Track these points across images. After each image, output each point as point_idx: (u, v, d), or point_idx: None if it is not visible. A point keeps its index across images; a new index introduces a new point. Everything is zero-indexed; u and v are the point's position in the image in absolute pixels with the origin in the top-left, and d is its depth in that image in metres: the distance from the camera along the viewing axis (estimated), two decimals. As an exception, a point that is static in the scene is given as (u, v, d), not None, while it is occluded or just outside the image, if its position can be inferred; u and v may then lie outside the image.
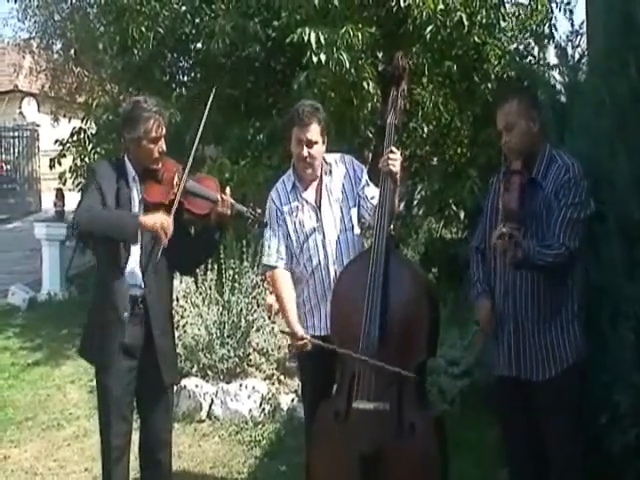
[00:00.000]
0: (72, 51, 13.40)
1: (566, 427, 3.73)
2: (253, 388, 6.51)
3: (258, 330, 6.95)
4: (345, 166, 4.41)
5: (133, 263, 3.96)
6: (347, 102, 7.62)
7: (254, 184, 7.63)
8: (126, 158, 4.07)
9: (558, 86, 5.09)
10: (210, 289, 7.10)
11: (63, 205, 12.80)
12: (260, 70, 8.99)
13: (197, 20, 9.00)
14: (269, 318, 6.99)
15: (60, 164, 10.60)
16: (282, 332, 4.94)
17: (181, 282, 6.92)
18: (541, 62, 8.16)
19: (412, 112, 8.09)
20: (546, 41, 8.70)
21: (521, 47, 9.22)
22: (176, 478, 4.62)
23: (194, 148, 4.17)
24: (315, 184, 4.37)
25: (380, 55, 8.28)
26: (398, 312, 3.91)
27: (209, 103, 4.23)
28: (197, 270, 6.62)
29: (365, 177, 4.38)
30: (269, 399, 6.44)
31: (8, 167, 21.29)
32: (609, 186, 3.95)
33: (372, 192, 4.27)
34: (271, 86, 9.19)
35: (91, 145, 10.18)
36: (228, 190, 4.10)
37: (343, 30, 7.06)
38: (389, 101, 4.25)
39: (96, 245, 4.12)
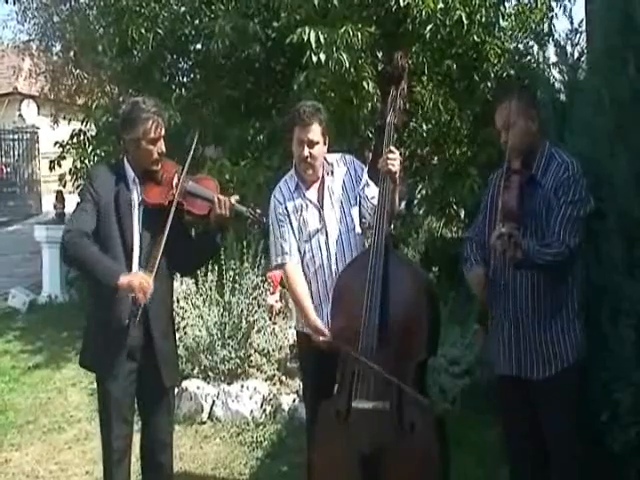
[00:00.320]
0: (71, 53, 13.40)
1: (566, 425, 3.73)
2: (254, 389, 6.50)
3: (259, 331, 6.94)
4: (346, 166, 4.41)
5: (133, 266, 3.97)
6: (347, 102, 7.61)
7: (254, 185, 7.63)
8: (125, 160, 4.06)
9: (558, 85, 5.09)
10: (211, 290, 7.09)
11: (63, 207, 12.75)
12: (260, 71, 8.99)
13: (197, 21, 9.00)
14: (270, 319, 6.99)
15: (60, 166, 10.60)
16: (301, 332, 4.78)
17: (182, 283, 6.91)
18: (541, 61, 8.15)
19: (412, 111, 8.08)
20: (546, 40, 8.69)
21: (520, 46, 9.21)
22: (177, 480, 4.62)
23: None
24: (317, 184, 4.37)
25: (380, 55, 8.28)
26: (397, 311, 3.91)
27: (194, 144, 4.20)
28: (197, 271, 6.62)
29: (366, 177, 4.39)
30: (270, 400, 6.43)
31: (8, 170, 21.30)
32: (609, 184, 3.95)
33: (372, 192, 4.27)
34: (271, 86, 9.19)
35: (91, 147, 10.16)
36: (234, 198, 4.07)
37: (343, 30, 7.05)
38: (389, 101, 4.26)
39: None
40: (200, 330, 6.84)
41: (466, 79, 8.53)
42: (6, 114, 23.58)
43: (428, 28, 7.51)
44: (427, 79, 8.19)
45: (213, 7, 8.82)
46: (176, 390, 4.99)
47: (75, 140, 10.41)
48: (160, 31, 8.62)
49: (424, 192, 9.42)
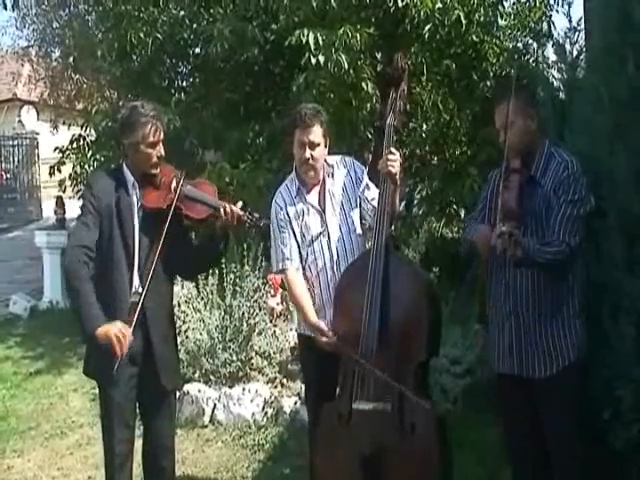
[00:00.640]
0: (71, 58, 13.35)
1: (568, 423, 3.72)
2: (256, 392, 6.49)
3: (260, 334, 6.92)
4: (346, 168, 4.40)
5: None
6: (346, 103, 7.61)
7: (254, 188, 7.62)
8: (124, 165, 4.06)
9: (557, 83, 5.08)
10: (212, 294, 7.08)
11: (64, 213, 12.77)
12: (259, 73, 9.00)
13: (195, 25, 9.01)
14: (271, 321, 6.98)
15: (60, 172, 10.60)
16: (303, 334, 4.75)
17: (182, 287, 6.91)
18: (540, 59, 8.14)
19: (411, 112, 8.08)
20: (544, 38, 8.69)
21: (519, 45, 9.21)
22: (180, 484, 4.61)
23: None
24: (318, 187, 4.36)
25: (379, 56, 8.29)
26: (398, 313, 3.90)
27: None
28: (198, 275, 6.62)
29: (366, 179, 4.37)
30: (272, 403, 6.42)
31: (8, 176, 21.28)
32: (609, 182, 3.94)
33: (373, 194, 4.26)
34: (270, 89, 9.20)
35: (91, 152, 10.18)
36: (239, 204, 4.07)
37: (341, 31, 7.06)
38: (388, 102, 4.24)
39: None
40: (201, 333, 6.82)
41: (465, 79, 8.54)
42: (6, 120, 23.63)
43: (427, 28, 7.51)
44: (426, 79, 8.20)
45: (212, 11, 8.85)
46: (177, 394, 4.98)
47: (75, 145, 10.44)
48: (159, 35, 8.63)
49: (424, 192, 9.43)
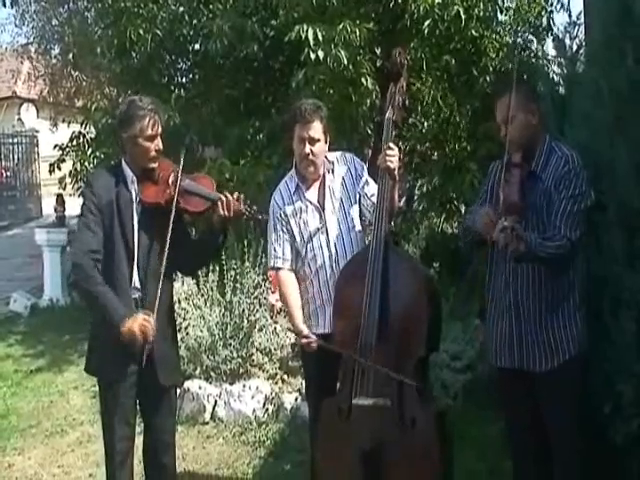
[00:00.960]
0: (70, 55, 13.37)
1: (568, 417, 3.72)
2: (256, 388, 6.49)
3: (260, 330, 6.92)
4: (346, 164, 4.39)
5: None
6: (346, 99, 7.59)
7: (254, 184, 7.61)
8: (123, 161, 4.06)
9: (556, 78, 5.07)
10: (212, 290, 7.08)
11: (64, 210, 12.75)
12: (258, 69, 8.99)
13: (195, 21, 8.98)
14: (271, 318, 6.98)
15: (60, 169, 10.58)
16: (289, 330, 4.92)
17: (183, 284, 6.91)
18: (539, 54, 8.13)
19: (411, 107, 8.07)
20: (544, 33, 8.68)
21: (519, 40, 9.19)
22: (181, 481, 4.61)
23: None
24: (318, 184, 4.35)
25: (378, 51, 8.27)
26: (397, 308, 3.90)
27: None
28: (199, 272, 6.61)
29: (366, 175, 4.37)
30: (272, 399, 6.42)
31: (8, 174, 21.27)
32: (609, 176, 3.94)
33: (372, 190, 4.25)
34: (270, 85, 9.18)
35: (90, 149, 10.16)
36: (235, 195, 4.07)
37: (341, 27, 7.04)
38: (387, 97, 4.23)
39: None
40: (202, 330, 6.82)
41: (465, 74, 8.52)
42: (5, 118, 23.64)
43: (426, 23, 7.49)
44: (426, 75, 8.17)
45: (211, 7, 8.82)
46: (178, 391, 4.98)
47: (74, 143, 10.43)
48: (158, 32, 8.60)
49: (424, 188, 9.42)
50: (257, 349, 6.82)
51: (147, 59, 8.92)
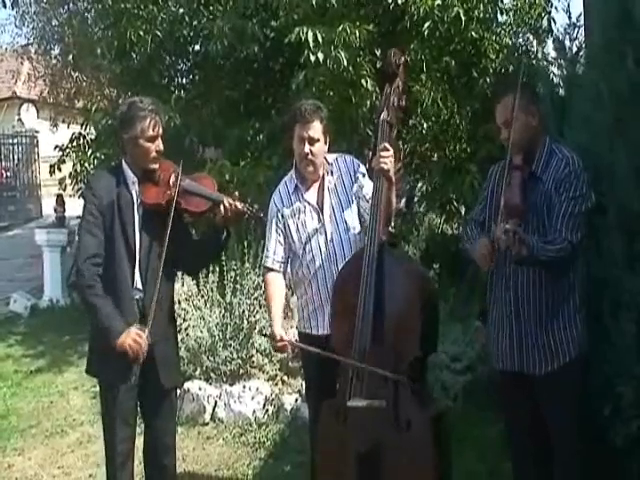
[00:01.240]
0: (70, 56, 13.35)
1: (568, 419, 3.72)
2: (256, 389, 6.50)
3: (260, 331, 6.90)
4: (345, 165, 4.39)
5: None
6: (346, 100, 7.60)
7: (254, 185, 7.61)
8: (124, 162, 4.07)
9: (556, 79, 5.08)
10: (212, 291, 7.09)
11: (64, 211, 12.77)
12: (258, 71, 9.00)
13: (195, 22, 8.99)
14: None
15: (60, 170, 10.59)
16: (263, 335, 4.91)
17: (183, 285, 6.92)
18: (539, 56, 8.13)
19: (410, 108, 8.07)
20: (544, 35, 8.68)
21: (520, 41, 9.20)
22: (181, 482, 4.62)
23: None
24: (317, 184, 4.35)
25: (378, 52, 8.26)
26: (392, 309, 3.88)
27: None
28: (200, 271, 6.62)
29: (365, 176, 4.35)
30: (272, 400, 6.43)
31: (8, 174, 21.27)
32: (609, 178, 3.95)
33: (371, 191, 4.24)
34: (270, 86, 9.19)
35: (91, 150, 10.17)
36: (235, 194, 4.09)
37: (340, 28, 7.05)
38: (382, 98, 4.22)
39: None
40: (202, 331, 6.83)
41: (465, 75, 8.52)
42: (5, 118, 23.64)
43: (426, 25, 7.49)
44: (426, 76, 8.16)
45: (211, 8, 8.84)
46: (178, 392, 4.98)
47: (75, 143, 10.45)
48: (158, 33, 8.62)
49: (424, 189, 9.42)
50: (257, 350, 6.83)
51: (147, 60, 8.93)
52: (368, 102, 7.63)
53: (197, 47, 9.29)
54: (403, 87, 4.18)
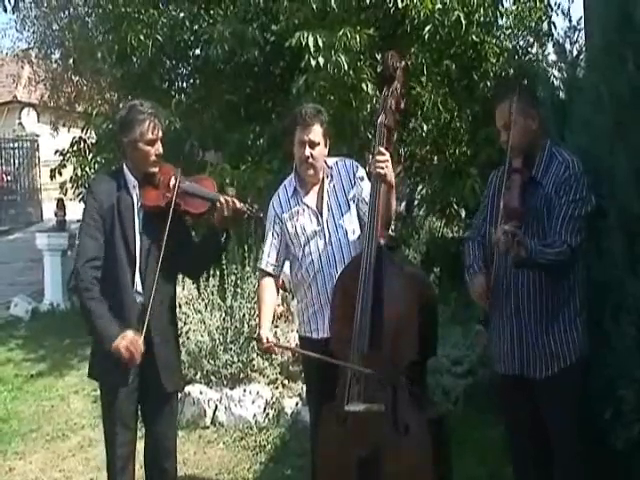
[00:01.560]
0: (71, 60, 13.38)
1: (569, 423, 3.71)
2: (257, 393, 6.50)
3: (252, 334, 6.92)
4: (345, 169, 4.38)
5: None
6: (346, 104, 7.60)
7: (255, 189, 7.61)
8: (125, 166, 4.07)
9: (557, 83, 5.07)
10: (212, 295, 7.09)
11: (64, 215, 12.79)
12: (259, 75, 9.00)
13: (195, 27, 9.00)
14: (272, 322, 6.96)
15: (61, 174, 10.60)
16: (250, 337, 4.93)
17: (183, 288, 6.92)
18: (540, 59, 8.14)
19: (411, 112, 8.08)
20: (545, 38, 8.70)
21: (521, 43, 9.22)
22: (182, 485, 4.61)
23: None
24: (316, 188, 4.34)
25: (379, 56, 8.26)
26: (390, 313, 3.88)
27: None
28: (200, 276, 6.61)
29: (365, 180, 4.35)
30: (273, 404, 6.43)
31: (9, 178, 21.27)
32: (609, 181, 3.94)
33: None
34: (270, 91, 9.19)
35: (91, 154, 10.18)
36: (231, 190, 4.10)
37: (341, 33, 7.06)
38: (380, 101, 4.22)
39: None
40: (202, 335, 6.82)
41: (465, 79, 8.53)
42: (6, 123, 23.63)
43: (427, 29, 7.52)
44: (426, 79, 8.17)
45: (212, 12, 8.85)
46: (179, 395, 4.98)
47: (75, 148, 10.45)
48: (159, 37, 8.62)
49: (424, 192, 9.42)
50: (258, 354, 6.81)
51: (148, 64, 8.93)
52: (369, 106, 7.64)
53: (197, 51, 9.29)
54: (401, 90, 4.16)
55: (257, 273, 6.87)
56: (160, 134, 4.00)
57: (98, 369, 4.07)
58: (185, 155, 8.52)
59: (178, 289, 5.97)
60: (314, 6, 7.26)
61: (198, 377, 6.77)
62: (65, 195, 11.12)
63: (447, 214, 9.23)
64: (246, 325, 6.86)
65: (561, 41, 5.08)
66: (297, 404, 6.36)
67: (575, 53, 5.01)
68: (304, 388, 5.49)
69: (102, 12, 9.67)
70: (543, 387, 3.74)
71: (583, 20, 5.15)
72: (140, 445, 4.18)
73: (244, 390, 6.54)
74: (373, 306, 3.87)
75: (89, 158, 10.17)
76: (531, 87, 5.15)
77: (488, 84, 8.33)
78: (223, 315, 6.97)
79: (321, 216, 4.28)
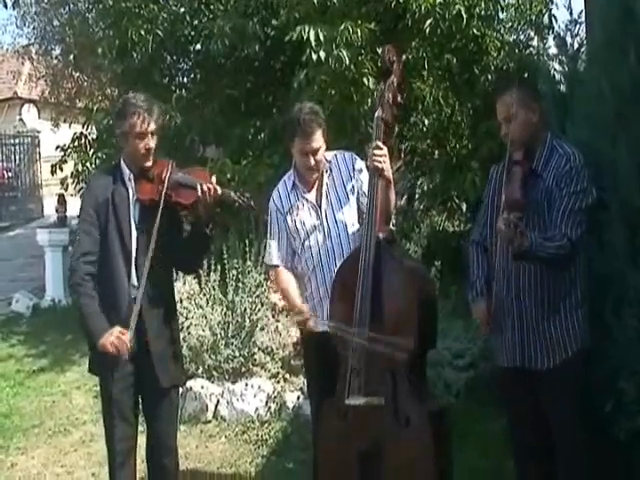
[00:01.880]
0: (71, 56, 13.39)
1: (570, 415, 3.71)
2: (259, 387, 6.51)
3: (262, 329, 6.92)
4: (344, 162, 4.37)
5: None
6: (347, 99, 7.59)
7: (255, 183, 7.61)
8: (122, 159, 4.08)
9: (558, 76, 5.06)
10: (214, 290, 7.09)
11: (65, 210, 12.79)
12: (260, 69, 9.00)
13: (196, 21, 9.02)
14: (273, 317, 6.98)
15: (62, 170, 10.58)
16: (293, 319, 4.84)
17: (184, 284, 6.92)
18: (541, 52, 8.13)
19: (412, 106, 8.08)
20: (546, 31, 8.68)
21: (521, 36, 9.22)
22: (184, 480, 4.61)
23: None
24: (316, 183, 4.34)
25: (380, 50, 8.26)
26: (389, 306, 3.89)
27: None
28: (200, 271, 6.61)
29: (363, 172, 4.34)
30: (275, 398, 6.44)
31: (9, 174, 21.25)
32: (611, 174, 3.94)
33: (369, 189, 4.24)
34: (271, 85, 9.19)
35: (92, 150, 10.16)
36: (214, 178, 4.08)
37: (342, 27, 7.05)
38: (377, 95, 4.21)
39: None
40: (204, 330, 6.83)
41: (466, 73, 8.53)
42: (7, 119, 23.65)
43: (427, 23, 7.51)
44: (427, 73, 8.16)
45: (212, 7, 8.84)
46: (180, 390, 4.97)
47: (76, 143, 10.42)
48: (159, 32, 8.62)
49: (425, 186, 9.42)
50: (259, 348, 6.83)
51: (148, 59, 8.94)
52: (369, 100, 7.62)
53: (198, 46, 9.28)
54: (398, 84, 4.15)
55: (258, 268, 6.97)
56: (151, 128, 3.95)
57: (96, 364, 4.07)
58: (186, 150, 8.52)
59: (179, 284, 5.99)
60: (315, 0, 7.25)
61: (200, 372, 6.78)
62: (66, 190, 11.10)
63: (448, 208, 9.24)
64: (247, 319, 6.88)
65: (562, 34, 5.06)
66: (299, 398, 6.37)
67: (576, 46, 4.99)
68: (305, 382, 5.50)
69: (102, 8, 9.67)
70: (544, 379, 3.74)
71: (584, 13, 5.14)
72: (142, 440, 4.18)
73: (246, 384, 6.55)
74: (372, 298, 3.88)
75: (90, 153, 10.15)
76: (532, 80, 5.14)
77: (489, 78, 8.33)
78: (224, 310, 6.97)
79: (320, 210, 4.27)
